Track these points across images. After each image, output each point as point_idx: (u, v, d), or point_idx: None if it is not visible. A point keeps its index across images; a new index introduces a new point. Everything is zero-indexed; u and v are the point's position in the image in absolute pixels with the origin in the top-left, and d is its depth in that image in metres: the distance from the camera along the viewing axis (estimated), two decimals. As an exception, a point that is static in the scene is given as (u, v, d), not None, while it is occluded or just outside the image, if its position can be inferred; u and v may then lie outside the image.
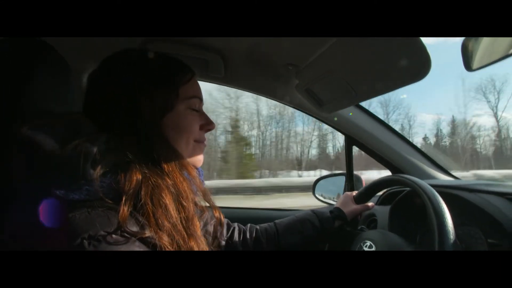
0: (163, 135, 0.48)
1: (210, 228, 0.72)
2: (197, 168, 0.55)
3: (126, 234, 0.37)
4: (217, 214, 0.54)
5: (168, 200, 0.42)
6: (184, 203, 0.45)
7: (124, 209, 0.37)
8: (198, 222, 0.47)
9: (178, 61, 0.54)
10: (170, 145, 0.48)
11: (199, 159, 0.55)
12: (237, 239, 0.79)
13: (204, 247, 0.47)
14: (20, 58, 0.49)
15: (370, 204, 0.88)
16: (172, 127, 0.49)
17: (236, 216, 1.15)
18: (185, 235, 0.43)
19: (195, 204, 0.48)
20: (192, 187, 0.48)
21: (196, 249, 0.44)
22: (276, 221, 0.84)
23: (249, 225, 0.83)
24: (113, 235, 0.36)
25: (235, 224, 0.82)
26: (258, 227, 0.83)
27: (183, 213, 0.44)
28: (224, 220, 0.78)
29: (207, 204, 0.52)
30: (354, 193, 0.90)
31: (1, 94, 0.48)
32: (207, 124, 0.56)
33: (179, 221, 0.43)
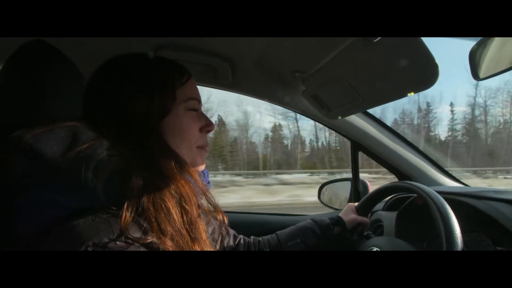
0: (163, 139, 0.48)
1: (217, 236, 0.73)
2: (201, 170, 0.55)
3: (129, 241, 0.36)
4: (220, 217, 0.52)
5: (171, 204, 0.42)
6: (187, 207, 0.44)
7: (127, 215, 0.37)
8: (203, 226, 0.47)
9: (173, 63, 0.53)
10: (169, 149, 0.48)
11: (201, 164, 0.55)
12: (242, 250, 0.80)
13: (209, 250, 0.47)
14: (30, 63, 0.50)
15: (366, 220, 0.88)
16: (171, 130, 0.49)
17: (240, 220, 1.17)
18: (189, 239, 0.43)
19: (199, 206, 0.47)
20: (195, 190, 0.47)
21: None
22: (278, 232, 0.85)
23: (252, 237, 0.85)
24: (117, 242, 0.36)
25: (241, 236, 0.83)
26: (260, 239, 0.84)
27: (185, 217, 0.44)
28: (231, 231, 0.80)
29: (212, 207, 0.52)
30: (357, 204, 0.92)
31: (7, 100, 0.48)
32: (207, 125, 0.55)
33: (182, 225, 0.43)
